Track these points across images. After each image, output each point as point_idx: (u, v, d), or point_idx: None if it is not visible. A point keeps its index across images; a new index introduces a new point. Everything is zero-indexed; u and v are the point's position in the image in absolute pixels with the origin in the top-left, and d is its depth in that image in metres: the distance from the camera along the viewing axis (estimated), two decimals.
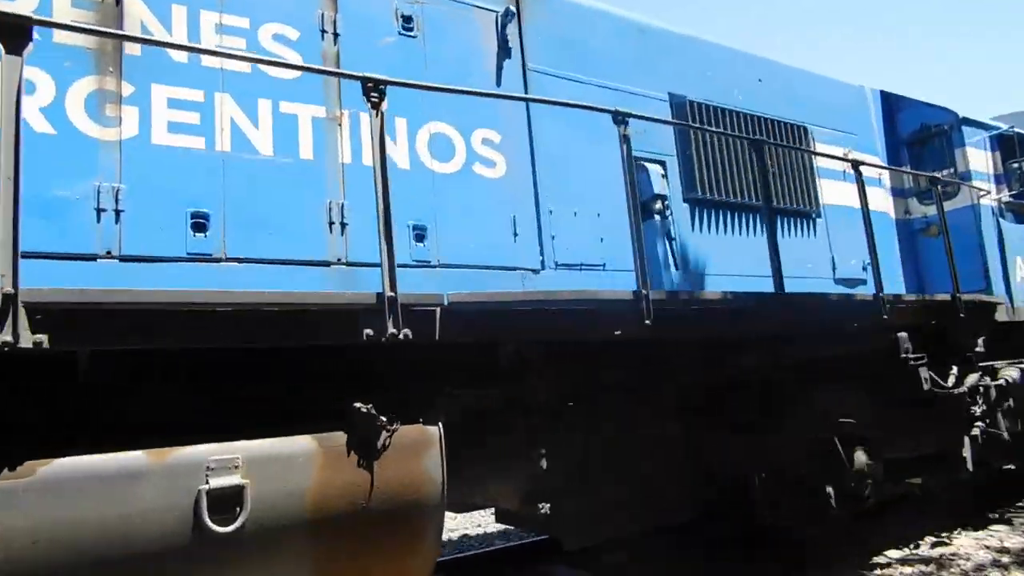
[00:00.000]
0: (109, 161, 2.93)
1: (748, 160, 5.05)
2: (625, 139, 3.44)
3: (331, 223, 3.32)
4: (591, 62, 4.53)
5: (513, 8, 4.25)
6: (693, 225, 4.85)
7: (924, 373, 5.62)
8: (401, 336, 2.73)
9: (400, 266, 2.83)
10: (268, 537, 2.62)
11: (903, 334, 5.30)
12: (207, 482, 2.54)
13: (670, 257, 4.76)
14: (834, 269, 5.89)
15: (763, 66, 5.82)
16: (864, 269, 5.92)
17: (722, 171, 4.98)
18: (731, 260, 4.96)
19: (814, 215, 5.91)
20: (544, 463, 3.76)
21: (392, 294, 2.72)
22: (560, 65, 4.40)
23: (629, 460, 4.22)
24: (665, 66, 4.92)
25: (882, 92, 6.77)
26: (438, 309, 2.93)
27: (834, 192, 6.16)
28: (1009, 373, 5.90)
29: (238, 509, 2.55)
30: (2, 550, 2.24)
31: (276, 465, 2.67)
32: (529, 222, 4.01)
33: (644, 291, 3.28)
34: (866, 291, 5.59)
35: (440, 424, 3.06)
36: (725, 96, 5.20)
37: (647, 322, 3.27)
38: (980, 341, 5.96)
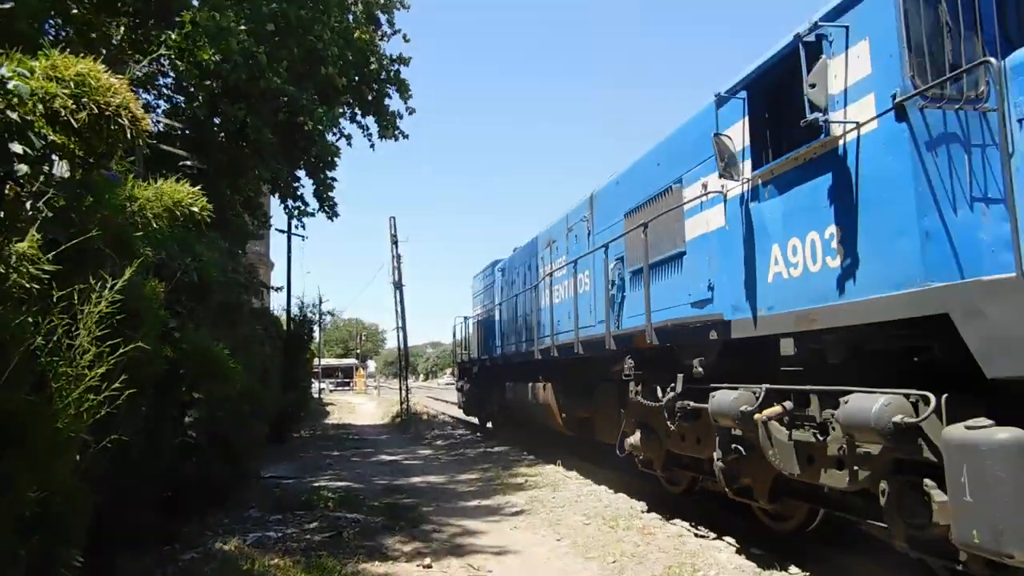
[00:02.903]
0: None
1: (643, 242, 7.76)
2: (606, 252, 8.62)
3: None
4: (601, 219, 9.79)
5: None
6: (629, 286, 8.55)
7: (632, 387, 8.18)
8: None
9: None
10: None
11: (629, 360, 8.08)
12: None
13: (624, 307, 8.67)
14: (689, 295, 7.07)
15: (647, 161, 8.25)
16: (709, 289, 6.75)
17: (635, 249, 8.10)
18: (656, 300, 7.54)
19: (683, 252, 7.30)
20: None
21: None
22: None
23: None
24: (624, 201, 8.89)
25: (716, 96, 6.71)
26: None
27: (695, 225, 7.13)
28: (720, 397, 6.33)
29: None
30: None
31: None
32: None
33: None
34: (712, 309, 6.69)
35: None
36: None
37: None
38: (696, 362, 6.86)
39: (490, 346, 18.71)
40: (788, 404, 5.55)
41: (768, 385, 5.85)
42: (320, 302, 24.09)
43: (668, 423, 7.44)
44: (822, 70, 5.21)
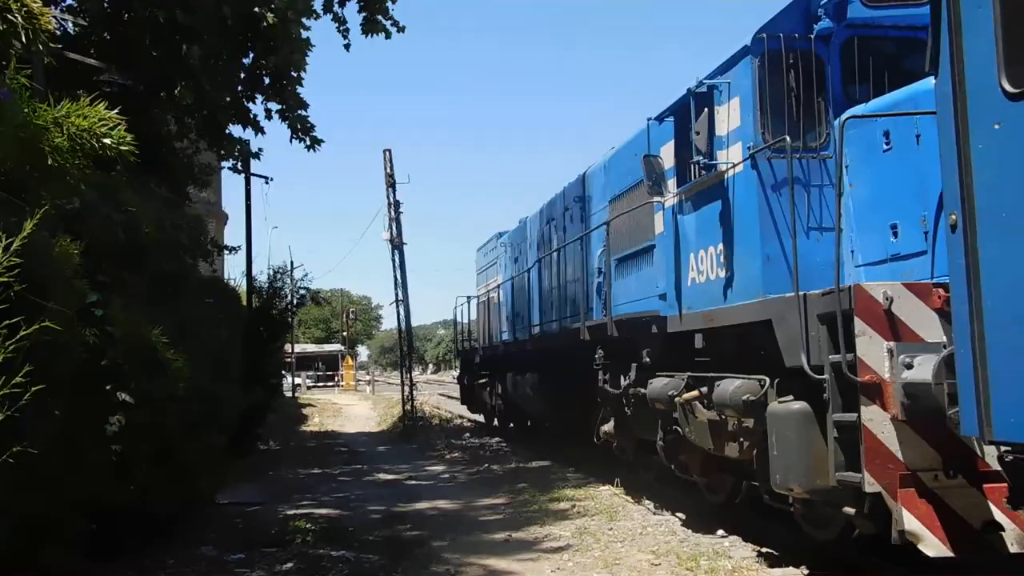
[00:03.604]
0: None
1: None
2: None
3: None
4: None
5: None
6: (614, 273, 11.70)
7: (600, 376, 11.72)
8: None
9: None
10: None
11: (600, 350, 11.66)
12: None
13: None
14: (656, 287, 10.21)
15: (627, 151, 11.52)
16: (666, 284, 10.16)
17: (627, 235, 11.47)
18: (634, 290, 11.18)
19: (653, 246, 10.48)
20: None
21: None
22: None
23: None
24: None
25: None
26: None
27: (659, 221, 10.34)
28: (655, 383, 9.87)
29: None
30: None
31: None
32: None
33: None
34: (669, 304, 9.94)
35: None
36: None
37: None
38: (645, 353, 10.37)
39: (492, 332, 21.69)
40: (704, 389, 8.66)
41: (690, 373, 9.08)
42: (292, 267, 24.22)
43: (626, 409, 11.20)
44: (704, 120, 8.77)
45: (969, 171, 5.01)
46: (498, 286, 21.38)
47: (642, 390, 10.34)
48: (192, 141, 14.89)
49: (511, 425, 22.33)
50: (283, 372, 29.49)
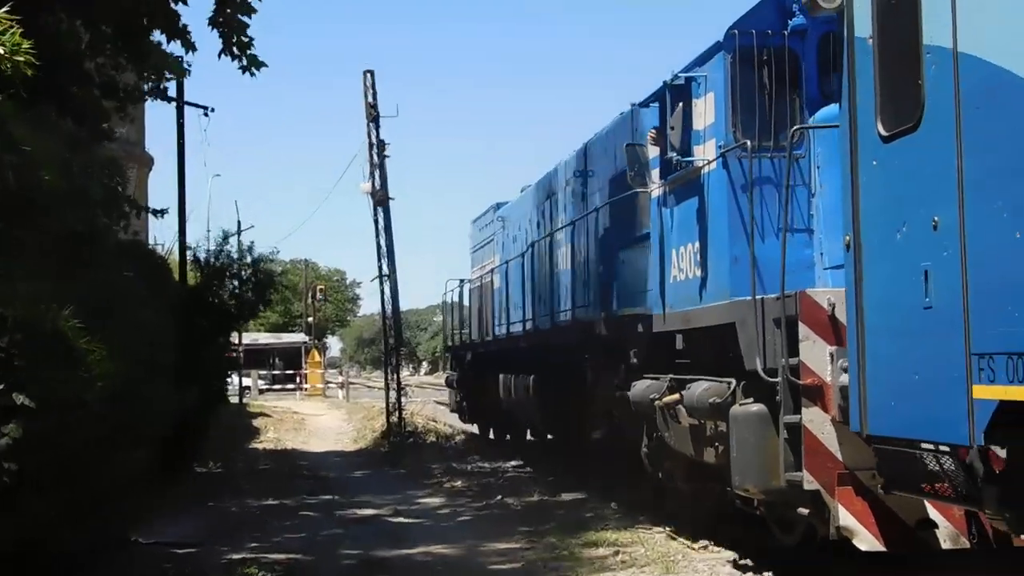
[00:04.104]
0: None
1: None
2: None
3: None
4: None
5: None
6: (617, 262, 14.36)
7: (590, 376, 15.08)
8: None
9: None
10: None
11: (591, 349, 14.85)
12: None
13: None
14: (647, 282, 12.67)
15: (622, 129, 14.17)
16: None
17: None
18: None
19: (648, 235, 12.75)
20: None
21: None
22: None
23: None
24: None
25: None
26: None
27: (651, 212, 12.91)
28: (638, 387, 12.14)
29: None
30: None
31: None
32: None
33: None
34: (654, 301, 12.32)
35: None
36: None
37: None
38: (632, 353, 12.58)
39: (487, 325, 23.43)
40: (685, 392, 10.66)
41: (672, 375, 11.20)
42: (239, 230, 24.04)
43: (615, 412, 13.79)
44: (679, 115, 10.89)
45: (857, 199, 7.55)
46: (494, 269, 23.04)
47: (628, 394, 12.53)
48: (109, 57, 14.64)
49: (507, 437, 24.42)
50: (229, 371, 29.43)
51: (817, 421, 8.13)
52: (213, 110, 26.13)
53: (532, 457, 21.15)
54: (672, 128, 10.98)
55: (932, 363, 6.56)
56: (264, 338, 78.52)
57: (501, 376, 21.48)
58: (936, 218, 6.45)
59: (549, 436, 21.51)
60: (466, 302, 26.03)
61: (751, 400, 9.26)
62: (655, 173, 12.01)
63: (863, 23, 7.47)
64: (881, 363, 7.14)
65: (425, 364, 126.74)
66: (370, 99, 25.41)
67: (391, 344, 26.40)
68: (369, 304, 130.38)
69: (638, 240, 13.17)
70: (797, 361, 8.35)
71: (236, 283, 21.02)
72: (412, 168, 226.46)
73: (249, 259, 21.49)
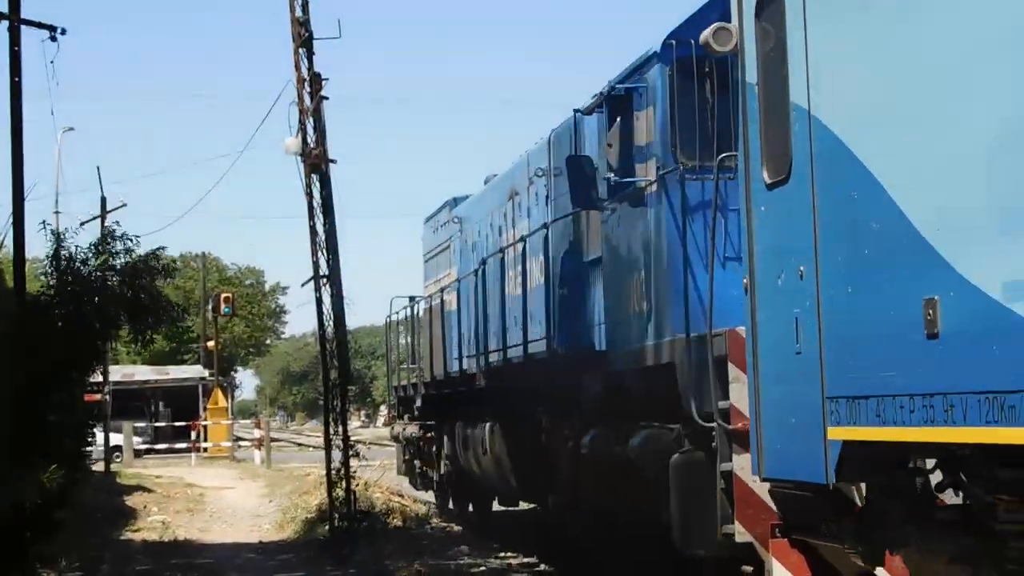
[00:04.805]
0: None
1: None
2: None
3: None
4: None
5: None
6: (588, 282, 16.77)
7: (544, 422, 19.85)
8: None
9: None
10: None
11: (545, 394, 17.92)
12: None
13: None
14: (597, 313, 16.23)
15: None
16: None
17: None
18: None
19: (600, 259, 15.84)
20: None
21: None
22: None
23: None
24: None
25: None
26: None
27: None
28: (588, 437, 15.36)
29: None
30: None
31: None
32: None
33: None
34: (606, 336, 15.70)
35: None
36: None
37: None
38: (584, 398, 15.80)
39: (440, 357, 25.61)
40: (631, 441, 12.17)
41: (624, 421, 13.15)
42: (104, 211, 24.13)
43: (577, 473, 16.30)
44: (616, 132, 13.94)
45: (752, 243, 9.90)
46: (450, 285, 24.56)
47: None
48: None
49: (470, 508, 25.89)
50: (91, 424, 29.37)
51: (748, 469, 10.00)
52: (64, 32, 25.80)
53: (544, 542, 20.45)
54: (610, 146, 13.74)
55: (801, 406, 8.78)
56: (143, 372, 76.27)
57: (457, 424, 23.39)
58: (802, 268, 8.73)
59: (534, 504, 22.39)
60: (418, 325, 26.98)
61: (692, 448, 11.58)
62: (603, 189, 14.25)
63: (751, 69, 9.72)
64: (770, 406, 9.52)
65: (383, 410, 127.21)
66: (298, 12, 23.73)
67: (333, 380, 23.26)
68: (300, 321, 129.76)
69: (589, 265, 15.41)
70: (728, 404, 10.19)
71: (97, 298, 20.32)
72: (367, 138, 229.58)
73: (120, 260, 21.78)
